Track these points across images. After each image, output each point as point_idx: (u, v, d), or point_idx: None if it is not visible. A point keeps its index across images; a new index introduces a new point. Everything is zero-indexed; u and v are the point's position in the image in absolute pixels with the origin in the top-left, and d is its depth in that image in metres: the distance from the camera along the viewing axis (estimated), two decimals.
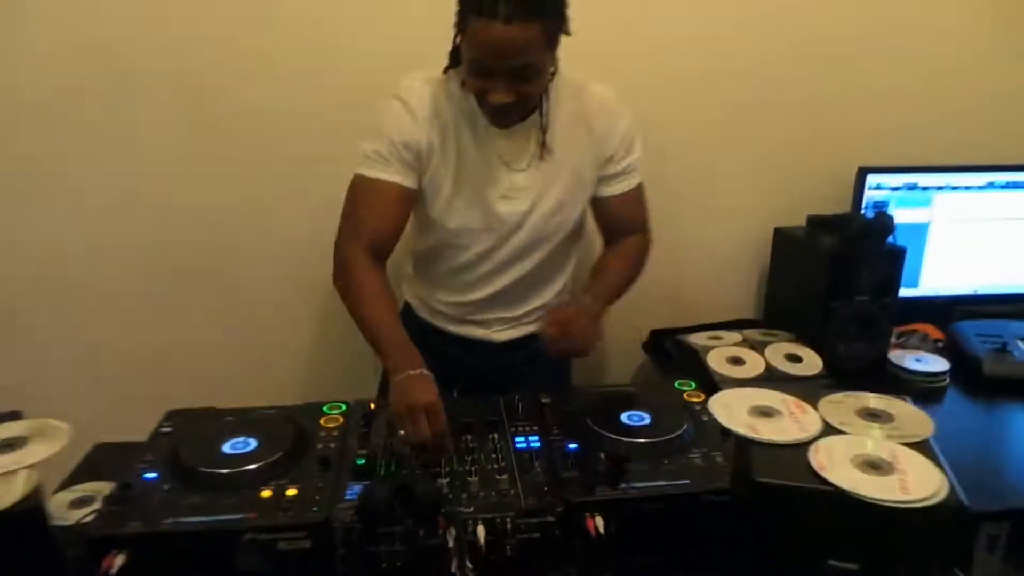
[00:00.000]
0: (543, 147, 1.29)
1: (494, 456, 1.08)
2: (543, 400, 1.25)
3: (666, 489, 1.00)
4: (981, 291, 1.68)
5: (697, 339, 1.55)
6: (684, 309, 1.73)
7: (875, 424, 0.80)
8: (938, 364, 1.47)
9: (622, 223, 1.40)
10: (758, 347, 1.48)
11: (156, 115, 1.55)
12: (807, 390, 0.87)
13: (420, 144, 1.25)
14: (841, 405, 0.84)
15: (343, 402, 1.25)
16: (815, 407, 0.83)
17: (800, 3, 1.60)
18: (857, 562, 0.68)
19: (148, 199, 1.60)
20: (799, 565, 0.72)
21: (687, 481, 1.02)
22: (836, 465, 0.71)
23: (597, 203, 1.38)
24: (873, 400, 0.84)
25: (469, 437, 1.12)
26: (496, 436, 1.14)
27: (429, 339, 1.42)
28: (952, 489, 0.68)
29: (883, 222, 1.46)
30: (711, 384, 1.34)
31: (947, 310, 1.68)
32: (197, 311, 1.69)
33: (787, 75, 1.64)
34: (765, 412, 0.81)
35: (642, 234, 1.43)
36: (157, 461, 1.08)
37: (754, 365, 1.42)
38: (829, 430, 0.77)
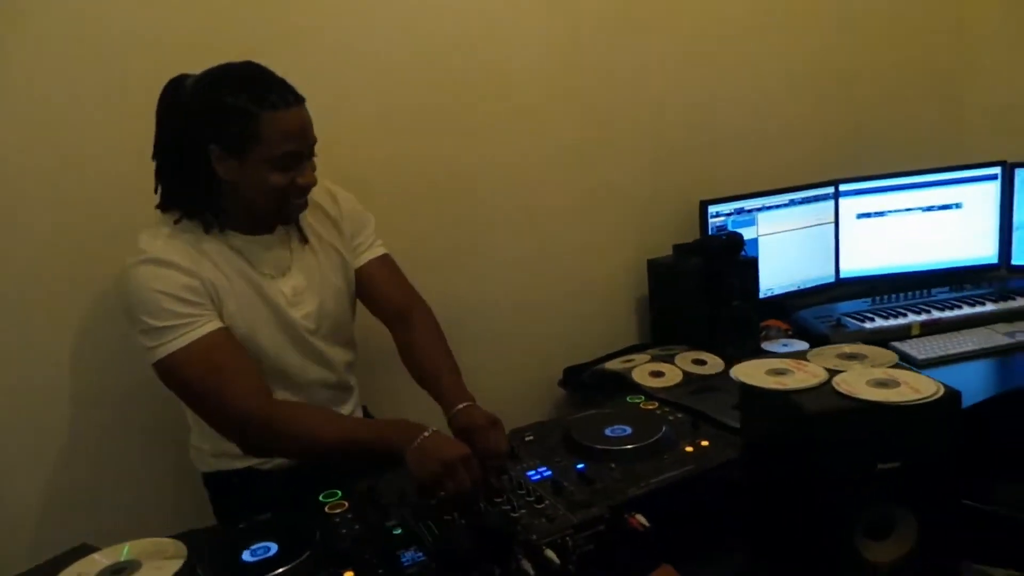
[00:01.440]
0: (301, 237, 1.31)
1: (521, 492, 1.15)
2: (527, 438, 1.34)
3: (683, 475, 1.16)
4: (802, 286, 2.08)
5: (613, 366, 1.73)
6: (583, 345, 1.92)
7: (855, 361, 1.03)
8: (800, 346, 1.80)
9: (391, 288, 1.42)
10: (667, 360, 1.70)
11: None
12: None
13: (200, 283, 1.19)
14: (822, 356, 1.06)
15: (335, 490, 1.23)
16: (808, 360, 1.04)
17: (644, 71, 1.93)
18: (898, 460, 0.88)
19: None
20: (852, 478, 0.90)
21: (691, 467, 1.18)
22: (859, 390, 0.91)
23: (359, 277, 1.41)
24: (847, 348, 1.08)
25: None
26: (512, 475, 1.20)
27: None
28: (944, 385, 0.92)
29: (736, 239, 1.78)
30: (644, 395, 1.52)
31: (780, 306, 2.05)
32: None
33: (635, 134, 1.96)
34: (780, 372, 1.00)
35: (420, 305, 1.44)
36: None
37: (672, 374, 1.63)
38: (832, 373, 0.98)
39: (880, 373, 0.96)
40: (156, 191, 1.23)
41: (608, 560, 1.06)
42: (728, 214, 1.96)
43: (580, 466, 1.21)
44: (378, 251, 1.44)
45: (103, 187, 1.41)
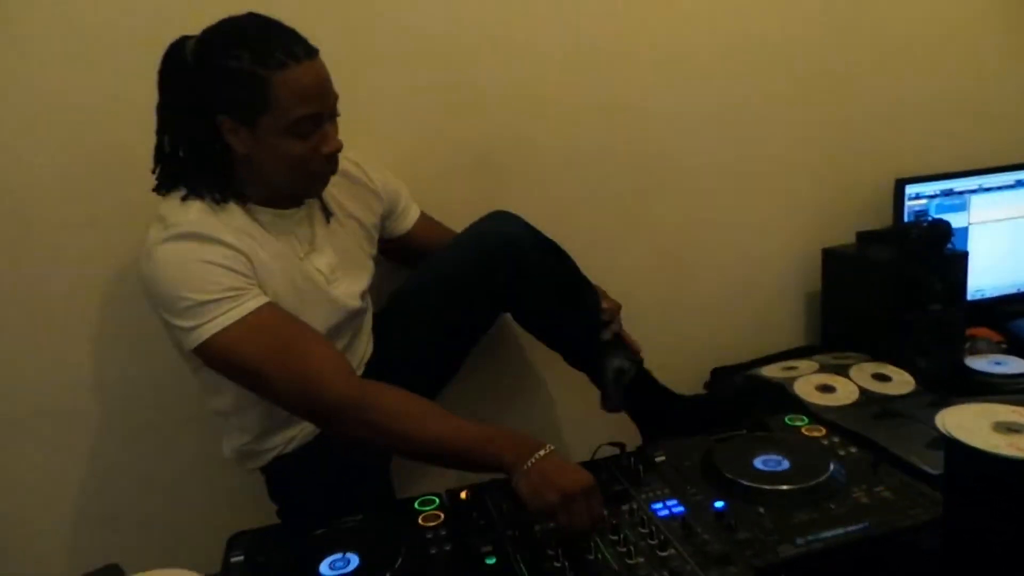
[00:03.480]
0: (324, 210, 1.18)
1: (643, 531, 0.95)
2: (656, 458, 1.14)
3: (852, 535, 0.90)
4: (1023, 289, 1.68)
5: (771, 371, 1.47)
6: (737, 344, 1.66)
7: None
8: (1018, 365, 1.43)
9: (447, 236, 1.32)
10: (840, 371, 1.40)
11: None
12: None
13: (246, 258, 1.05)
14: None
15: (435, 495, 1.09)
16: None
17: (821, 31, 1.61)
18: None
19: None
20: None
21: (865, 524, 0.92)
22: None
23: (401, 242, 1.33)
24: None
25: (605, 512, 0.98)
26: (634, 507, 1.01)
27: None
28: None
29: (942, 229, 1.44)
30: (807, 416, 1.25)
31: (991, 311, 1.66)
32: None
33: (812, 97, 1.63)
34: (1013, 428, 0.72)
35: None
36: None
37: (846, 390, 1.34)
38: None
39: None
40: (154, 172, 1.08)
41: None
42: (932, 196, 1.60)
43: (719, 504, 0.99)
44: (416, 211, 1.35)
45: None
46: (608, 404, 1.28)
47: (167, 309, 1.01)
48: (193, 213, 1.03)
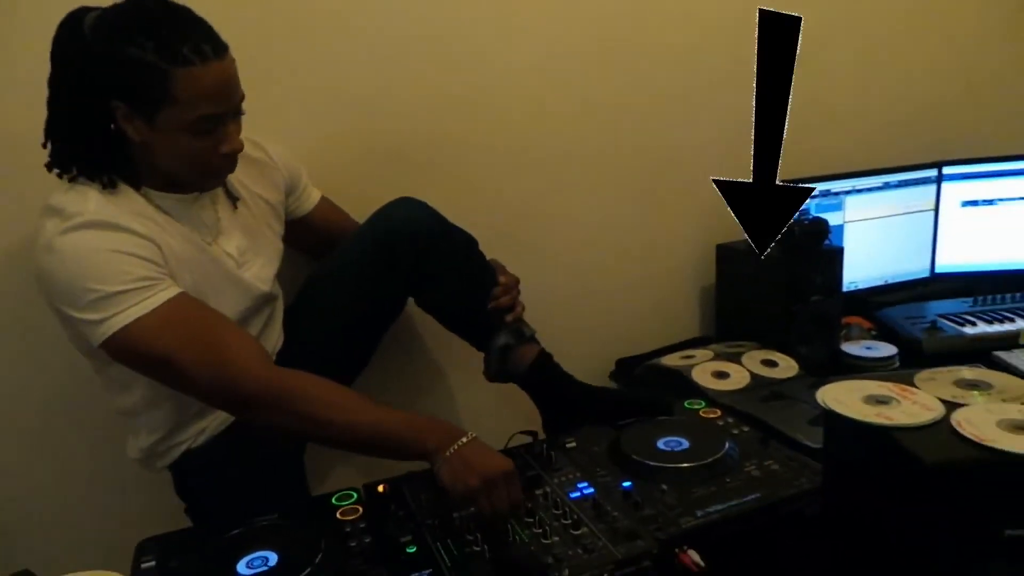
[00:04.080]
0: (229, 195, 1.17)
1: (557, 513, 1.00)
2: (567, 444, 1.19)
3: (746, 506, 0.98)
4: (890, 280, 1.85)
5: (671, 360, 1.55)
6: (637, 336, 1.74)
7: (976, 391, 0.83)
8: (886, 349, 1.58)
9: (348, 223, 1.35)
10: (733, 359, 1.51)
11: None
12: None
13: (156, 247, 1.02)
14: (934, 381, 0.87)
15: (352, 490, 1.10)
16: (914, 386, 0.85)
17: (719, 33, 1.70)
18: None
19: None
20: (969, 545, 0.71)
21: (757, 495, 1.01)
22: (989, 434, 0.72)
23: (303, 225, 1.32)
24: (966, 372, 0.88)
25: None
26: (547, 491, 1.05)
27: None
28: None
29: (820, 226, 1.56)
30: (704, 399, 1.34)
31: (863, 302, 1.82)
32: None
33: (711, 105, 1.73)
34: (881, 400, 0.81)
35: None
36: None
37: (739, 376, 1.44)
38: (949, 406, 0.79)
39: (1016, 411, 0.76)
40: (44, 146, 1.03)
41: None
42: (812, 196, 1.74)
43: (627, 484, 1.05)
44: (317, 192, 1.34)
45: None
46: (489, 372, 1.31)
47: (70, 304, 0.96)
48: (92, 201, 0.99)
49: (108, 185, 1.01)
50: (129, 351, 0.98)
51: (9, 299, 1.24)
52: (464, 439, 0.98)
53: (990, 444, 0.70)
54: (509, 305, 1.29)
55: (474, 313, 1.29)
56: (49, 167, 1.03)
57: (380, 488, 1.11)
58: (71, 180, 1.01)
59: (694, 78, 1.71)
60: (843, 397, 0.82)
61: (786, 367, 1.48)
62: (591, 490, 1.05)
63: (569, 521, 0.97)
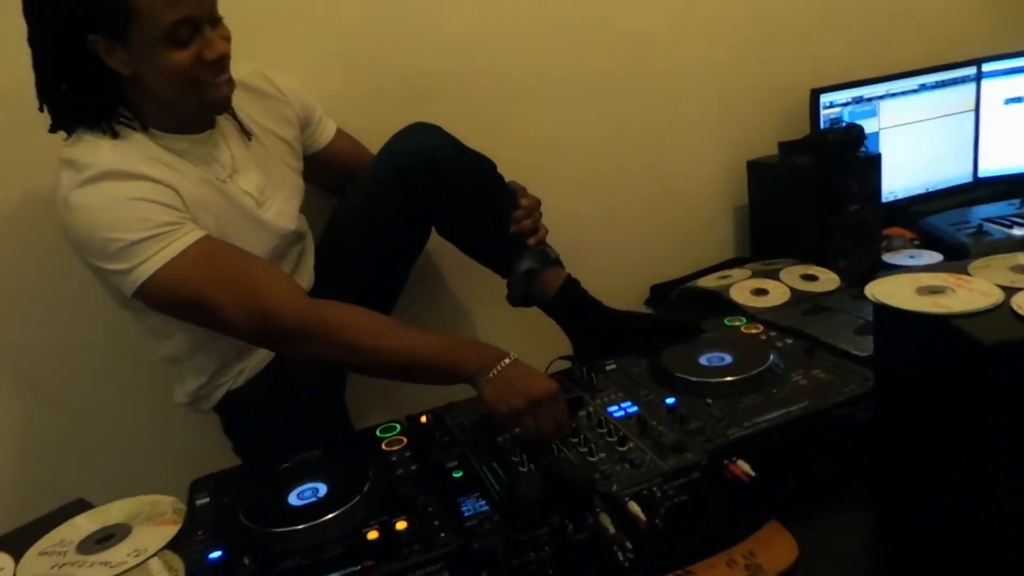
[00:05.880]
0: (242, 130, 1.14)
1: (601, 431, 0.99)
2: (608, 367, 1.18)
3: (794, 414, 0.96)
4: (932, 188, 1.78)
5: (707, 283, 1.53)
6: (670, 261, 1.71)
7: None
8: (932, 257, 1.54)
9: (366, 156, 1.30)
10: (771, 275, 1.47)
11: None
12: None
13: (175, 192, 1.01)
14: (989, 269, 0.83)
15: (395, 422, 1.11)
16: (971, 275, 0.81)
17: None
18: None
19: None
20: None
21: (805, 403, 0.99)
22: None
23: (322, 159, 1.29)
24: (1023, 257, 0.84)
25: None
26: (590, 411, 1.04)
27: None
28: None
29: (855, 133, 1.51)
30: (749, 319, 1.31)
31: (904, 211, 1.76)
32: None
33: (729, 18, 1.66)
34: (935, 290, 0.78)
35: None
36: (213, 538, 0.89)
37: (778, 292, 1.41)
38: (1009, 291, 0.75)
39: None
40: (41, 110, 1.01)
41: (704, 515, 0.89)
42: (844, 104, 1.67)
43: (670, 401, 1.04)
44: (333, 125, 1.31)
45: None
46: (512, 297, 1.28)
47: (98, 255, 0.96)
48: (105, 151, 0.98)
49: (115, 134, 1.00)
50: (163, 297, 0.99)
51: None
52: (507, 360, 0.97)
53: None
54: (532, 228, 1.26)
55: (496, 238, 1.25)
56: (53, 128, 1.02)
57: (423, 419, 1.12)
58: (82, 136, 1.00)
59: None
60: (895, 291, 0.79)
61: (827, 280, 1.45)
62: (635, 408, 1.04)
63: (614, 438, 0.96)
